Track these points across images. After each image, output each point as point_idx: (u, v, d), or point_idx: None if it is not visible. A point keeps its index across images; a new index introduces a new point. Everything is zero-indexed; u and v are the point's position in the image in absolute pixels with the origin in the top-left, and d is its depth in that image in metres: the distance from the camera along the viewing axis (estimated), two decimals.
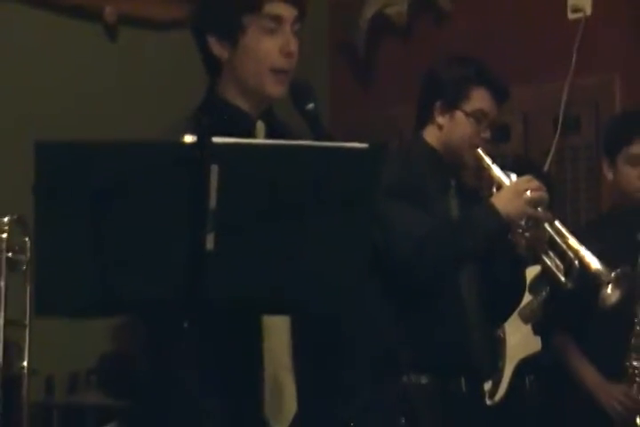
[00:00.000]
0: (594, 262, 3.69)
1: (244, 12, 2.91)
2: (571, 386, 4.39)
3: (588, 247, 3.75)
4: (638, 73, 5.71)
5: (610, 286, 3.70)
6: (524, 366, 4.85)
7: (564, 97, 5.73)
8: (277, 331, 2.88)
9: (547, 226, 3.72)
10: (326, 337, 2.91)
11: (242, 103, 2.97)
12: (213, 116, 2.86)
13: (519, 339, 4.70)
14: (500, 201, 3.66)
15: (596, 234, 4.30)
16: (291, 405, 2.89)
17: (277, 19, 2.90)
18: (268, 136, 2.96)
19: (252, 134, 2.92)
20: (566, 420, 4.48)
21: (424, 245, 3.62)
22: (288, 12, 2.91)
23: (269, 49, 2.91)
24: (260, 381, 2.86)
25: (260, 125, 2.97)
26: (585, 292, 3.83)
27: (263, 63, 2.92)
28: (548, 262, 3.79)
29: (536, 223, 3.72)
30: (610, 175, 4.44)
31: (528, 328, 4.59)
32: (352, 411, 2.99)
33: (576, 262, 3.72)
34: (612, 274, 3.69)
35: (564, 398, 4.51)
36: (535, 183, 3.69)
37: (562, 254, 3.77)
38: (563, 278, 3.76)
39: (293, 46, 2.91)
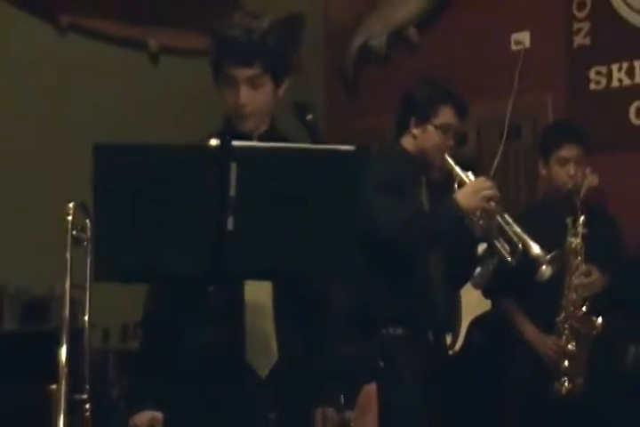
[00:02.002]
0: (535, 248, 3.75)
1: (214, 71, 2.95)
2: (513, 338, 4.40)
3: (529, 233, 3.78)
4: (566, 93, 5.70)
5: (545, 265, 3.76)
6: (476, 322, 4.85)
7: (509, 111, 5.72)
8: (260, 292, 2.87)
9: (498, 217, 3.76)
10: (306, 298, 2.92)
11: (242, 127, 2.96)
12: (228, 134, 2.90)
13: (472, 301, 4.70)
14: (462, 197, 3.72)
15: (533, 218, 4.31)
16: (273, 353, 2.88)
17: (231, 78, 2.89)
18: None
19: None
20: (509, 365, 4.48)
21: (405, 228, 3.65)
22: (240, 73, 2.88)
23: (229, 100, 2.92)
24: (241, 331, 2.85)
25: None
26: (525, 266, 3.83)
27: (229, 109, 2.94)
28: (498, 245, 3.83)
29: (489, 214, 3.75)
30: (544, 172, 4.43)
31: (479, 293, 4.58)
32: (327, 361, 3.00)
33: (520, 246, 3.75)
34: (548, 256, 3.74)
35: (508, 347, 4.51)
36: (489, 183, 3.75)
37: (508, 239, 3.80)
38: (509, 258, 3.80)
39: (244, 99, 2.88)
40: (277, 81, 2.95)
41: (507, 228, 3.81)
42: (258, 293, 2.86)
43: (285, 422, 2.84)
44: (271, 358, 2.88)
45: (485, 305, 4.68)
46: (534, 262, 3.78)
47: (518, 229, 3.80)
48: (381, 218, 3.60)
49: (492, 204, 3.75)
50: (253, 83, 2.89)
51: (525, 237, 3.78)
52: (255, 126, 2.93)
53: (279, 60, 2.95)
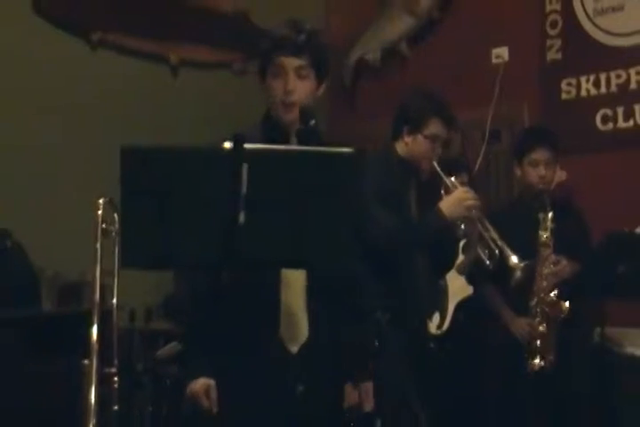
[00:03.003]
0: (512, 258, 3.79)
1: (264, 62, 2.92)
2: (492, 320, 4.41)
3: (505, 238, 3.79)
4: (540, 101, 5.71)
5: (519, 271, 3.82)
6: (461, 305, 4.85)
7: (490, 118, 5.72)
8: (296, 279, 2.87)
9: (478, 224, 3.78)
10: (330, 284, 2.91)
11: (282, 122, 2.95)
12: (267, 128, 2.95)
13: (458, 287, 4.70)
14: (446, 206, 3.73)
15: (509, 213, 4.33)
16: (303, 331, 2.88)
17: (281, 67, 2.90)
18: (300, 144, 2.92)
19: (288, 141, 2.92)
20: (488, 343, 4.50)
21: (394, 236, 3.66)
22: (289, 62, 2.90)
23: (276, 88, 2.92)
24: (276, 313, 2.85)
25: (293, 138, 2.94)
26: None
27: (274, 97, 2.92)
28: (478, 250, 3.84)
29: (470, 221, 3.76)
30: (518, 172, 4.44)
31: (463, 279, 4.59)
32: (346, 337, 3.01)
33: (496, 251, 3.78)
34: (522, 264, 3.82)
35: (487, 328, 4.52)
36: (471, 194, 3.76)
37: (487, 244, 3.83)
38: (487, 262, 3.84)
39: (291, 86, 2.89)
40: (319, 79, 2.96)
41: (485, 234, 3.83)
42: (293, 276, 2.87)
43: (312, 395, 2.85)
44: (302, 335, 2.88)
45: (469, 290, 4.68)
46: (510, 269, 3.82)
47: (496, 235, 3.82)
48: (374, 226, 3.60)
49: (474, 212, 3.76)
50: (300, 73, 2.90)
51: (503, 244, 3.81)
52: (295, 119, 2.90)
53: (322, 58, 2.97)
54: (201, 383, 2.83)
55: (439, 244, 3.85)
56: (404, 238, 3.71)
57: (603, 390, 4.23)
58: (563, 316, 4.09)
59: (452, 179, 3.88)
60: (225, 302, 2.78)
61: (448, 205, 3.72)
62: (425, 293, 3.91)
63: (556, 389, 4.18)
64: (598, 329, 4.16)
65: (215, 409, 2.83)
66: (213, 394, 2.83)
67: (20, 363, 4.51)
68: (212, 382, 2.84)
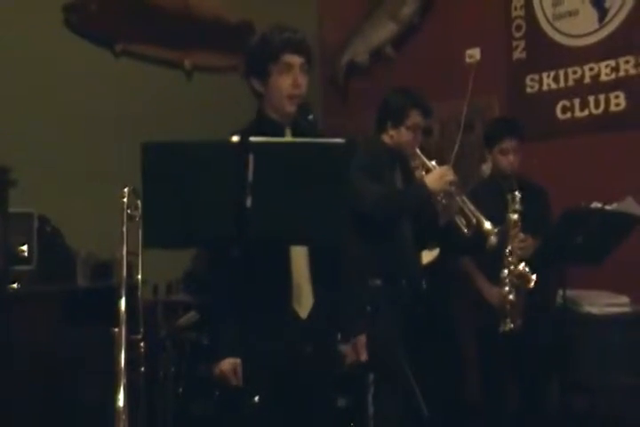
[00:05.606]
0: (486, 223, 3.77)
1: (269, 62, 2.88)
2: (459, 284, 4.42)
3: (480, 209, 3.78)
4: (508, 95, 5.70)
5: (493, 236, 3.78)
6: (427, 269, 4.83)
7: (465, 110, 5.64)
8: (300, 254, 2.88)
9: (457, 198, 3.77)
10: (329, 258, 2.92)
11: (276, 117, 2.94)
12: (261, 124, 2.91)
13: (425, 255, 4.68)
14: (429, 181, 3.73)
15: (481, 192, 4.31)
16: (309, 299, 2.89)
17: (289, 65, 2.89)
18: (294, 136, 2.93)
19: (283, 135, 2.92)
20: (457, 302, 4.53)
21: (381, 204, 3.65)
22: (296, 60, 2.90)
23: (285, 84, 2.89)
24: (290, 284, 2.86)
25: (288, 130, 2.95)
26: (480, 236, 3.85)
27: (282, 93, 2.90)
28: (457, 220, 3.84)
29: (450, 195, 3.76)
30: (489, 159, 4.44)
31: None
32: (344, 304, 3.02)
33: (474, 221, 3.77)
34: (495, 230, 3.76)
35: (452, 292, 4.55)
36: (451, 171, 3.77)
37: (465, 215, 3.81)
38: (465, 230, 3.82)
39: (300, 80, 2.89)
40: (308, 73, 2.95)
41: (463, 206, 3.83)
42: (297, 251, 2.87)
43: (318, 354, 2.87)
44: (309, 303, 2.88)
45: (433, 256, 4.65)
46: (485, 234, 3.80)
47: (472, 207, 3.82)
48: (363, 195, 3.61)
49: (453, 187, 3.76)
50: (303, 70, 2.91)
51: (478, 214, 3.80)
52: (295, 111, 2.90)
53: (311, 54, 2.97)
54: (229, 363, 2.79)
55: (423, 215, 3.85)
56: (394, 204, 3.72)
57: (564, 342, 4.24)
58: (530, 286, 4.09)
59: (433, 162, 3.88)
60: (243, 277, 2.75)
61: (431, 179, 3.73)
62: (412, 259, 3.91)
63: (525, 342, 4.20)
64: (560, 292, 4.16)
65: (241, 384, 2.78)
66: (240, 372, 2.78)
67: (59, 330, 4.52)
68: (238, 360, 2.79)
